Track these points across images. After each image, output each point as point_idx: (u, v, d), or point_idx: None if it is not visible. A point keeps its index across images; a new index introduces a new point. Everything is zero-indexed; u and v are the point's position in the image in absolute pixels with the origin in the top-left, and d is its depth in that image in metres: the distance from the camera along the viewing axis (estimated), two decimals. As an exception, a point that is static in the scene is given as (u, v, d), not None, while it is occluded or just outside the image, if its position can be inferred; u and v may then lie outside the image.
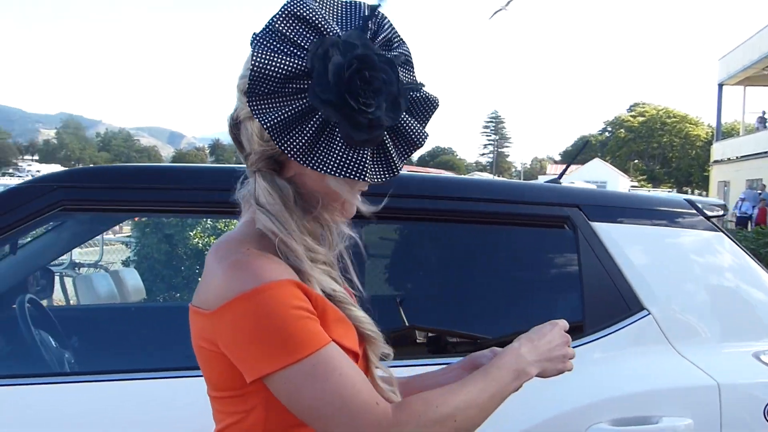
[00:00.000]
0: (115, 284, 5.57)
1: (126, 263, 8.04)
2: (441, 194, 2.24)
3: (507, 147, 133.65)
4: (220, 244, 1.28)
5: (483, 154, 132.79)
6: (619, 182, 49.07)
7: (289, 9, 1.20)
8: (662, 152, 75.88)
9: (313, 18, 1.21)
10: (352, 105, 1.18)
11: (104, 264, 8.13)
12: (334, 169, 1.20)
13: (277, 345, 1.16)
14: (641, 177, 70.70)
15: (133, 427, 1.86)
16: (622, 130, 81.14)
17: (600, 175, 47.95)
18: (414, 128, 1.28)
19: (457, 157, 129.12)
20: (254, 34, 1.22)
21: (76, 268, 7.49)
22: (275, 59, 1.18)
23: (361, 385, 1.18)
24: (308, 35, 1.20)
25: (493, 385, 1.30)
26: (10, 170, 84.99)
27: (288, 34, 1.20)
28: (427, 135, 1.29)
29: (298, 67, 1.18)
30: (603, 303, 2.15)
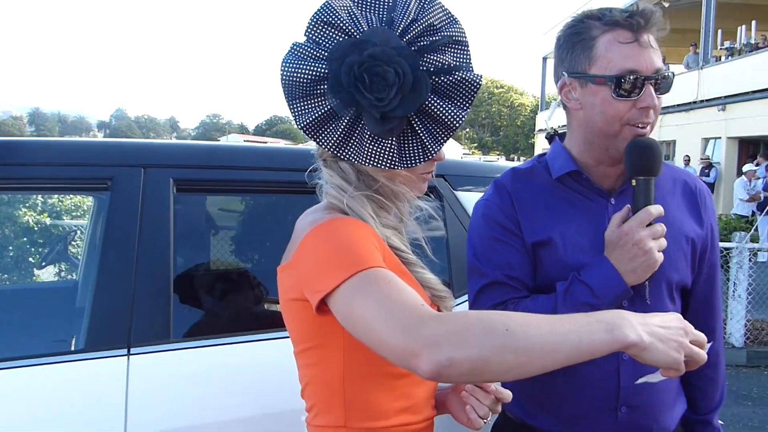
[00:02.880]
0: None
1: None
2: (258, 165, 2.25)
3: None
4: (306, 212, 1.44)
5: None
6: (452, 151, 50.53)
7: (317, 17, 1.33)
8: (491, 121, 79.11)
9: (340, 22, 1.31)
10: (363, 101, 1.28)
11: None
12: (363, 159, 1.33)
13: (339, 262, 1.23)
14: (473, 145, 73.41)
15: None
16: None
17: (434, 144, 48.85)
18: (446, 111, 1.33)
19: (294, 126, 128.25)
20: (293, 43, 1.34)
21: None
22: (301, 65, 1.30)
23: (408, 291, 1.20)
24: (336, 39, 1.31)
25: (573, 323, 1.13)
26: None
27: (318, 40, 1.32)
28: (463, 116, 1.34)
29: (321, 71, 1.30)
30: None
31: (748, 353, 7.65)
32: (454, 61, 1.35)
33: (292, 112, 1.33)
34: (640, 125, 1.57)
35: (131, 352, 1.88)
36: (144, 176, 2.05)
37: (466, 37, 1.37)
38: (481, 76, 1.36)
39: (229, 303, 2.35)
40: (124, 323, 1.90)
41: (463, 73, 1.34)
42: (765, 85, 17.69)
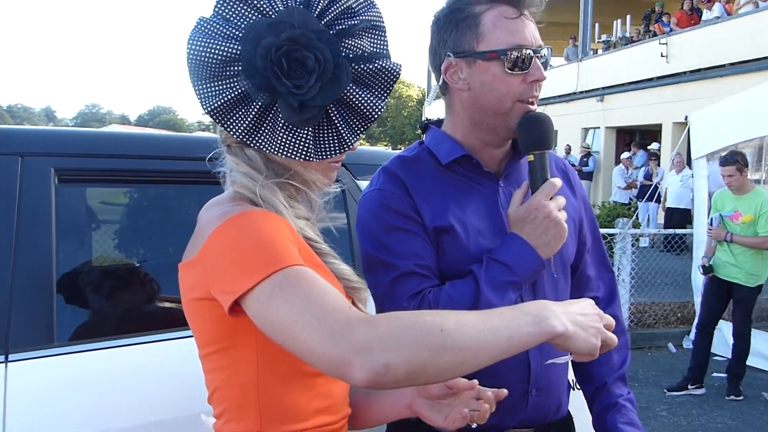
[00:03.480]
0: None
1: None
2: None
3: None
4: (210, 203, 1.32)
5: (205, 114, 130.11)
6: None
7: None
8: (379, 112, 79.50)
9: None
10: (280, 88, 1.19)
11: None
12: (277, 149, 1.24)
13: (254, 261, 1.13)
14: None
15: None
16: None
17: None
18: (365, 101, 1.27)
19: (179, 116, 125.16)
20: (200, 18, 1.22)
21: None
22: (211, 44, 1.19)
23: (332, 292, 1.13)
24: (249, 17, 1.21)
25: (502, 319, 1.12)
26: None
27: (229, 17, 1.21)
28: (382, 106, 1.28)
29: (233, 51, 1.19)
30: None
31: (633, 335, 7.96)
32: (372, 47, 1.29)
33: (197, 95, 1.22)
34: (529, 100, 1.58)
35: (9, 359, 1.73)
36: (21, 166, 1.88)
37: (383, 23, 1.31)
38: (400, 65, 1.30)
39: (118, 302, 2.19)
40: (1, 327, 1.74)
41: (382, 62, 1.29)
42: (640, 76, 18.55)
